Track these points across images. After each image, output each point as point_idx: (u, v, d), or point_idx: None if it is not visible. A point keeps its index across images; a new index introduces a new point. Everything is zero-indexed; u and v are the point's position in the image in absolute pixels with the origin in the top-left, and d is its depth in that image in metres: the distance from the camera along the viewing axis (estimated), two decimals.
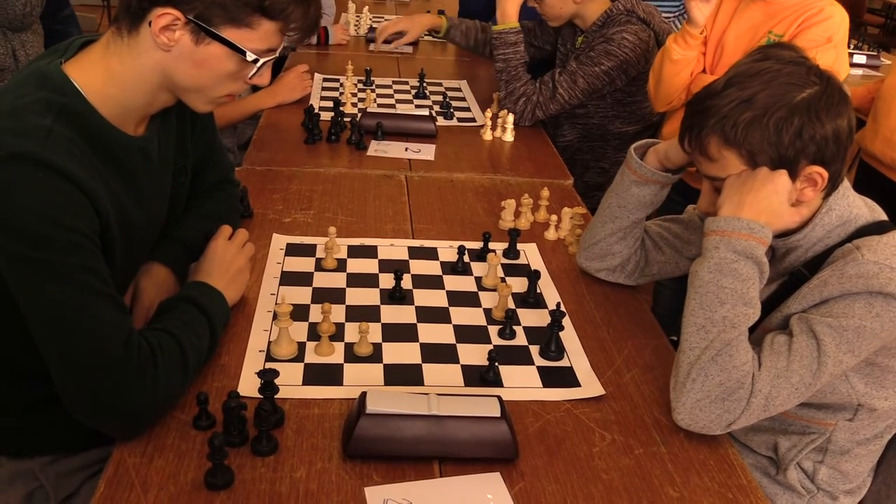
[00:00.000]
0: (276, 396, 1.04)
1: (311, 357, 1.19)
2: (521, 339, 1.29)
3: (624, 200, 1.37)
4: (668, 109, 1.99)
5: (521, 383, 1.18)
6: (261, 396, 1.03)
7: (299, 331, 1.24)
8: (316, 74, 2.55)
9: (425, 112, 2.21)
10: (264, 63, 1.10)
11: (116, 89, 1.07)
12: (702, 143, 1.14)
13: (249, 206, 1.63)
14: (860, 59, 3.48)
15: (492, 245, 1.55)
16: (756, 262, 1.09)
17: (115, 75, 1.07)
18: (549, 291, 1.44)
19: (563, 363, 1.23)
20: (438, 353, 1.23)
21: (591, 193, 2.30)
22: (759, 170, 1.11)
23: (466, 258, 1.50)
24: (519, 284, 1.44)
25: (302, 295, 1.35)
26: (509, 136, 2.18)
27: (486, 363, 1.18)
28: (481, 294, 1.41)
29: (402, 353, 1.22)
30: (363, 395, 1.03)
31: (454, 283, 1.44)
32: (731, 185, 1.13)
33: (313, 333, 1.24)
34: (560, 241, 1.64)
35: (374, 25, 3.15)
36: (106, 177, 1.06)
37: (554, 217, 1.65)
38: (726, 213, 1.11)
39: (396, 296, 1.36)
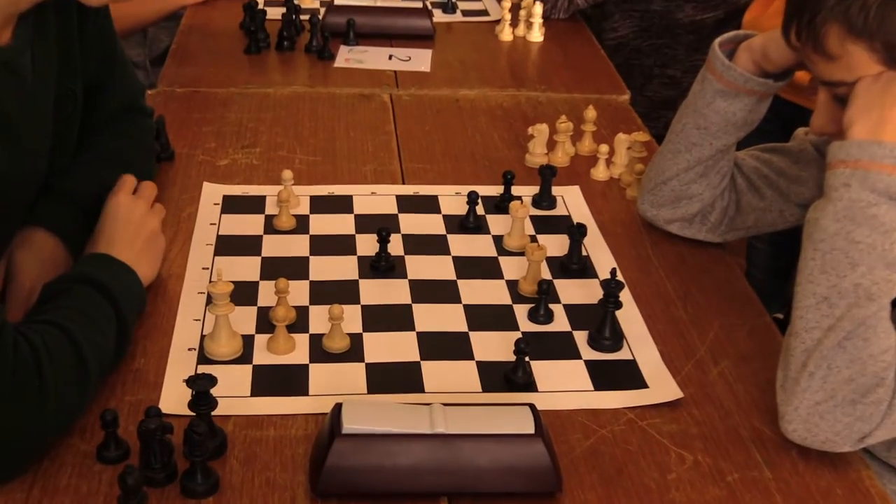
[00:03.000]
0: (214, 413, 1.04)
1: (262, 356, 1.19)
2: (561, 323, 1.28)
3: (705, 120, 1.35)
4: None
5: (563, 385, 1.17)
6: (193, 414, 1.03)
7: (244, 319, 1.24)
8: None
9: (417, 4, 2.18)
10: None
11: None
12: (816, 35, 1.11)
13: (168, 143, 1.62)
14: None
15: (516, 190, 1.54)
16: None
17: None
18: (600, 254, 1.42)
19: (622, 355, 1.23)
20: (443, 346, 1.22)
21: (657, 113, 2.28)
22: None
23: (480, 210, 1.49)
24: (557, 245, 1.42)
25: (247, 268, 1.35)
26: (537, 35, 2.16)
27: (513, 358, 1.17)
28: (503, 260, 1.40)
29: (392, 348, 1.21)
30: (337, 408, 1.02)
31: (464, 245, 1.43)
32: (864, 94, 1.10)
33: (264, 322, 1.24)
34: (614, 182, 1.63)
35: None
36: None
37: (604, 148, 1.64)
38: (860, 136, 1.09)
39: (382, 266, 1.35)
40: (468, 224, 1.47)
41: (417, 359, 1.20)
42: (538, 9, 2.14)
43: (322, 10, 2.12)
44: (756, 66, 1.31)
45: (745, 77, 1.31)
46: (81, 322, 1.07)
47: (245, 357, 1.18)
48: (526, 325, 1.27)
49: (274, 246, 1.40)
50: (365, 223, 1.46)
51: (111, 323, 1.11)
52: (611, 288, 1.23)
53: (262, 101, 1.83)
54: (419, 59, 2.03)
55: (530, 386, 1.16)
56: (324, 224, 1.46)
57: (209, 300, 1.23)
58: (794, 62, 1.27)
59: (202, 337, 1.21)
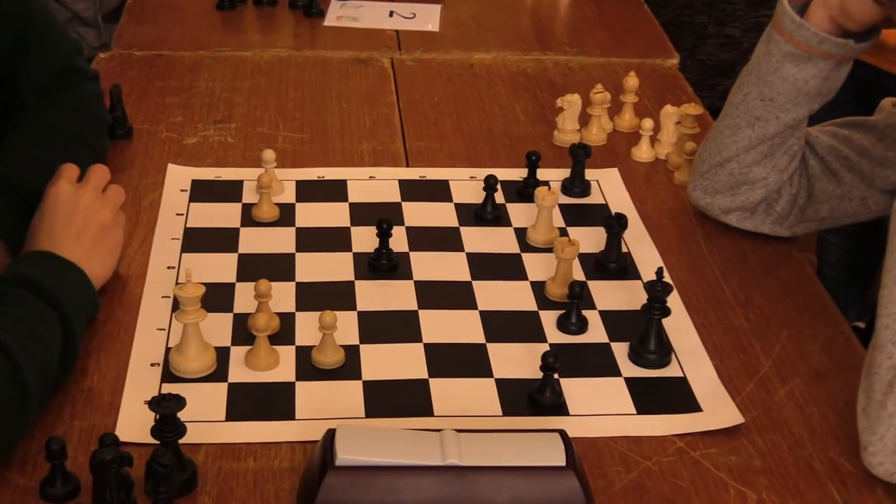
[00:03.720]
0: (182, 441, 1.04)
1: (239, 372, 1.19)
2: (596, 334, 1.28)
3: (771, 89, 1.35)
4: None
5: (600, 408, 1.17)
6: (157, 442, 1.03)
7: (218, 329, 1.24)
8: None
9: None
10: None
11: None
12: None
13: (125, 117, 1.62)
14: None
15: (542, 174, 1.54)
16: None
17: None
18: (644, 250, 1.43)
19: (671, 372, 1.23)
20: (456, 361, 1.22)
21: (712, 80, 2.28)
22: None
23: (500, 197, 1.49)
24: (591, 239, 1.43)
25: (221, 267, 1.35)
26: None
27: (539, 375, 1.17)
28: (527, 257, 1.41)
29: (395, 362, 1.21)
30: (330, 434, 1.02)
31: (480, 239, 1.44)
32: None
33: (242, 332, 1.24)
34: (660, 164, 1.63)
35: None
36: None
37: (648, 123, 1.64)
38: None
39: (382, 264, 1.36)
40: (485, 214, 1.47)
41: (425, 375, 1.19)
42: None
43: None
44: (833, 23, 1.30)
45: (819, 37, 1.30)
46: (18, 332, 1.07)
47: (219, 374, 1.18)
48: (555, 336, 1.27)
49: (253, 240, 1.40)
50: (362, 213, 1.46)
51: (55, 332, 1.11)
52: (656, 291, 1.22)
53: (238, 66, 1.83)
54: (426, 16, 2.03)
55: (560, 408, 1.16)
56: (313, 214, 1.46)
57: (176, 306, 1.23)
58: (879, 18, 1.26)
59: (167, 350, 1.20)
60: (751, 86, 1.37)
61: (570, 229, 1.46)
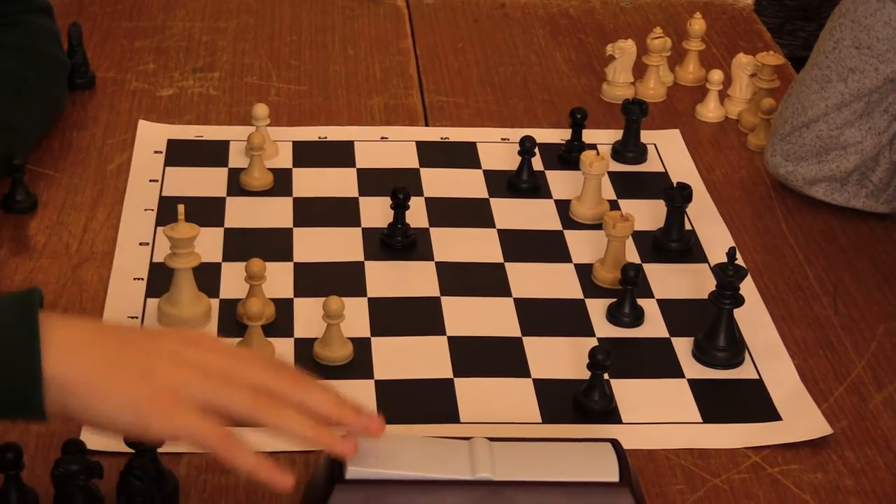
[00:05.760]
0: (161, 450, 1.04)
1: None
2: (654, 327, 1.29)
3: (869, 34, 1.35)
4: None
5: (659, 415, 1.18)
6: (131, 451, 1.03)
7: None
8: None
9: None
10: None
11: None
12: None
13: (86, 63, 1.62)
14: None
15: (589, 135, 1.55)
16: None
17: None
18: (711, 227, 1.44)
19: (743, 373, 1.23)
20: (486, 358, 1.23)
21: (793, 24, 2.27)
22: None
23: (537, 163, 1.50)
24: (648, 214, 1.43)
25: (204, 244, 1.32)
26: None
27: (586, 375, 1.17)
28: (571, 235, 1.42)
29: (413, 359, 1.22)
30: None
31: (514, 213, 1.44)
32: None
33: (231, 321, 1.25)
34: (731, 124, 1.64)
35: None
36: None
37: (716, 75, 1.64)
38: None
39: (397, 242, 1.37)
40: (520, 183, 1.48)
41: (450, 375, 1.20)
42: None
43: None
44: None
45: None
46: None
47: None
48: (604, 329, 1.28)
49: (242, 212, 1.41)
50: (372, 181, 1.47)
51: None
52: (727, 276, 1.22)
53: (222, 2, 1.83)
54: None
55: (611, 414, 1.17)
56: (313, 182, 1.47)
57: (151, 289, 1.24)
58: None
59: None
60: (844, 30, 1.37)
61: (622, 202, 1.47)
